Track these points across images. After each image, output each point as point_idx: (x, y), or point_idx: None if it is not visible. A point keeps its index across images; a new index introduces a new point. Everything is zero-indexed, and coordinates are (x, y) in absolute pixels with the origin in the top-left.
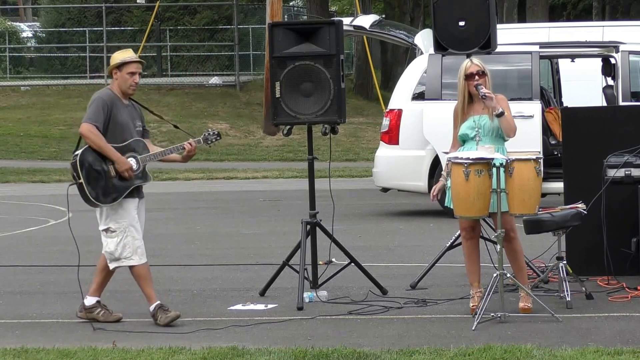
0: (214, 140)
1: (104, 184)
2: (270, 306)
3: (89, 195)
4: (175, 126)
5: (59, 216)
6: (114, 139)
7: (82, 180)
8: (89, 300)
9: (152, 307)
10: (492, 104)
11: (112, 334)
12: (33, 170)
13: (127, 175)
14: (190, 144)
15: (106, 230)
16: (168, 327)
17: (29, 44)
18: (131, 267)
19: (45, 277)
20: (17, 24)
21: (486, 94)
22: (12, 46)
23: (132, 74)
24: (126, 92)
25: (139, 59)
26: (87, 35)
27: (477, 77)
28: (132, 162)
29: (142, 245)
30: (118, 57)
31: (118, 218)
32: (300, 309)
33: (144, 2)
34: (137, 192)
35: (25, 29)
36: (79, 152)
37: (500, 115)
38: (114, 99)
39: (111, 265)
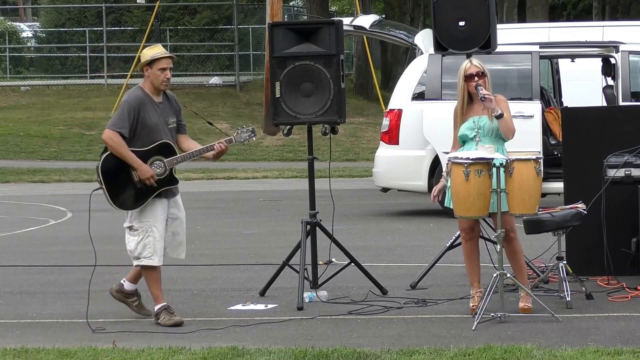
0: (247, 138)
1: (127, 190)
2: (270, 306)
3: (110, 201)
4: (210, 123)
5: (59, 216)
6: (143, 142)
7: (103, 186)
8: (129, 286)
9: (157, 307)
10: (492, 106)
11: (112, 334)
12: (33, 170)
13: (149, 183)
14: (221, 144)
15: (130, 227)
16: (168, 327)
17: (29, 44)
18: (143, 266)
19: (45, 277)
20: (17, 24)
21: (485, 96)
22: (12, 46)
23: (163, 69)
24: (158, 88)
25: (169, 54)
26: (87, 35)
27: (476, 78)
28: (158, 165)
29: (162, 247)
30: (148, 53)
31: (142, 217)
32: (300, 309)
33: (144, 2)
34: (165, 193)
35: (25, 29)
36: (103, 156)
37: (499, 117)
38: (143, 100)
39: (133, 262)
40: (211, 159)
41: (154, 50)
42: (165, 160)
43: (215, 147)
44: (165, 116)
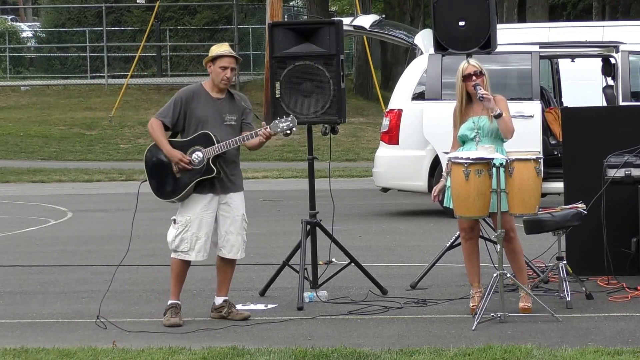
0: (284, 128)
1: (166, 179)
2: (270, 306)
3: (152, 190)
4: (256, 116)
5: (59, 216)
6: (190, 133)
7: (145, 175)
8: (217, 300)
9: (169, 302)
10: (490, 105)
11: (112, 334)
12: (33, 170)
13: (181, 167)
14: (264, 130)
15: (174, 220)
16: (167, 327)
17: (29, 44)
18: (177, 259)
19: (45, 277)
20: (17, 24)
21: (484, 95)
22: (12, 46)
23: (224, 68)
24: (218, 85)
25: (233, 54)
26: (87, 35)
27: (474, 78)
28: (197, 155)
29: (202, 242)
30: (214, 50)
31: (183, 211)
32: (300, 309)
33: (144, 2)
34: (210, 188)
35: (26, 29)
36: (148, 147)
37: (498, 116)
38: (197, 93)
39: (171, 255)
40: (255, 147)
41: (220, 48)
42: (203, 149)
43: (260, 133)
44: (222, 112)
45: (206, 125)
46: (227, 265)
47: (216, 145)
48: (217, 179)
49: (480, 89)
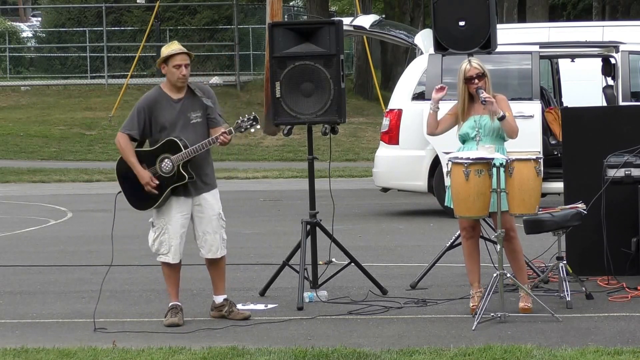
0: (248, 127)
1: (141, 192)
2: (270, 306)
3: (128, 202)
4: (219, 115)
5: (59, 216)
6: (156, 140)
7: (120, 190)
8: (217, 298)
9: (169, 304)
10: (493, 109)
11: (112, 334)
12: (33, 170)
13: (147, 189)
14: (223, 136)
15: (151, 223)
16: (167, 327)
17: (29, 44)
18: (161, 262)
19: (45, 277)
20: (17, 24)
21: (486, 99)
22: (12, 46)
23: (178, 66)
24: (175, 85)
25: (185, 50)
26: (87, 35)
27: (476, 81)
28: (166, 164)
29: (176, 245)
30: (164, 51)
31: (159, 215)
32: (300, 309)
33: (144, 2)
34: (184, 191)
35: (25, 29)
36: (118, 159)
37: (502, 119)
38: (157, 99)
39: (157, 258)
40: (222, 145)
41: (170, 47)
42: (172, 157)
43: (219, 138)
44: (185, 112)
45: (174, 128)
46: (214, 264)
47: (184, 151)
48: (190, 182)
49: (483, 93)
